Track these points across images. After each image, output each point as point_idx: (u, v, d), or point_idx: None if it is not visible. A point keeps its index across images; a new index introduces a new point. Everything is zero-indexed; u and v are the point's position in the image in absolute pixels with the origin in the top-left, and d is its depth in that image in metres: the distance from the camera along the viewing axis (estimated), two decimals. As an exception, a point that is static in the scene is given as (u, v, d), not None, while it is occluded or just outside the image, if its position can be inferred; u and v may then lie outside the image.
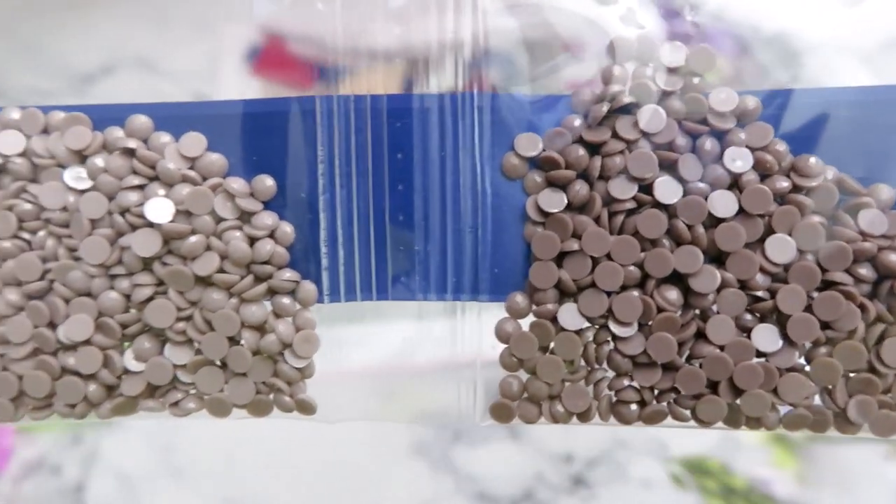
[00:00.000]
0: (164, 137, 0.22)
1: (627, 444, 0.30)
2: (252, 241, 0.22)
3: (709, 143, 0.21)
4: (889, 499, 0.29)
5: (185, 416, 0.22)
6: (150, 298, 0.22)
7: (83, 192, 0.22)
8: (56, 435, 0.30)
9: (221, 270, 0.22)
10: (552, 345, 0.21)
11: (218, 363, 0.22)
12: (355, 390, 0.22)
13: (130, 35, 0.22)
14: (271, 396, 0.22)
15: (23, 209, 0.22)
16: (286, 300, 0.22)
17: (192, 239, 0.21)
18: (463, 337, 0.22)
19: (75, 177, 0.22)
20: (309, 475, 0.29)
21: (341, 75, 0.22)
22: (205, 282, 0.22)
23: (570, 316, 0.21)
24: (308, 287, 0.22)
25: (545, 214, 0.21)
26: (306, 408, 0.22)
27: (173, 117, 0.22)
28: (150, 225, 0.21)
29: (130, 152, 0.22)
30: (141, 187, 0.22)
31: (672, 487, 0.29)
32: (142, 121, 0.22)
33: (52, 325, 0.22)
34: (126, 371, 0.22)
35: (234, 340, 0.22)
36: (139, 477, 0.30)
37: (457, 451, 0.30)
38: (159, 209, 0.21)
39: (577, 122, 0.21)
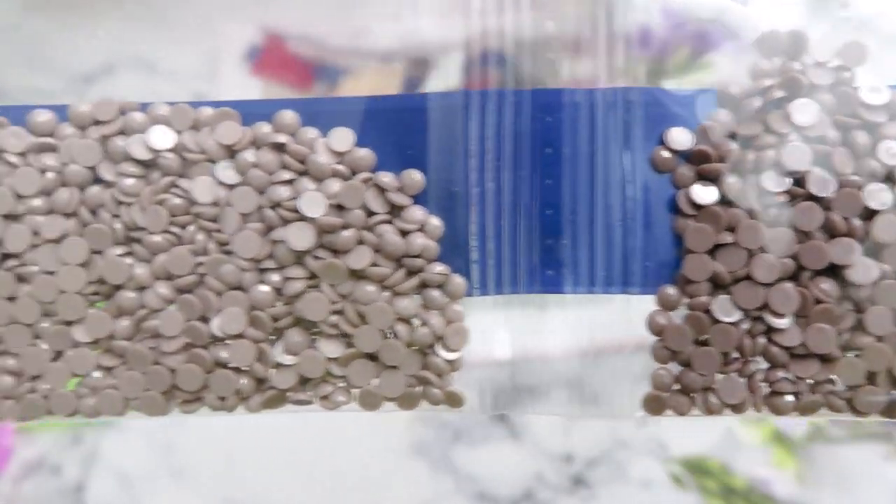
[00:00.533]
0: (311, 133, 0.22)
1: (627, 444, 0.30)
2: (403, 234, 0.22)
3: (861, 136, 0.21)
4: (889, 499, 0.29)
5: (335, 409, 0.23)
6: (301, 292, 0.22)
7: (233, 186, 0.22)
8: (56, 435, 0.30)
9: (374, 264, 0.22)
10: (706, 337, 0.22)
11: (369, 356, 0.22)
12: (502, 381, 0.23)
13: (130, 35, 0.22)
14: (419, 389, 0.23)
15: (173, 204, 0.22)
16: (436, 293, 0.22)
17: (346, 233, 0.22)
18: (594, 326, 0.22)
19: (226, 171, 0.22)
20: (309, 475, 0.29)
21: (341, 75, 0.22)
22: (356, 275, 0.22)
23: (724, 308, 0.21)
24: (458, 280, 0.22)
25: (697, 207, 0.21)
26: (456, 400, 0.22)
27: (320, 113, 0.22)
28: (303, 219, 0.22)
29: (280, 147, 0.22)
30: (290, 182, 0.22)
31: (672, 487, 0.29)
32: (290, 116, 0.22)
33: (204, 319, 0.22)
34: (278, 364, 0.22)
35: (385, 333, 0.22)
36: (139, 477, 0.30)
37: (457, 451, 0.30)
38: (313, 203, 0.22)
39: (725, 115, 0.22)
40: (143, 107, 0.22)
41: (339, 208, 0.22)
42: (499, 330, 0.23)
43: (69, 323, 0.22)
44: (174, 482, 0.30)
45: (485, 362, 0.23)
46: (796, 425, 0.29)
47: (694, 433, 0.29)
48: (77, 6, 0.22)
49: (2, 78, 0.23)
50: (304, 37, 0.23)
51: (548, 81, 0.22)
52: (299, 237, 0.22)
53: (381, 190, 0.22)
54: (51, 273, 0.22)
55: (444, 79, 0.22)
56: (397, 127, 0.22)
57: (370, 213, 0.22)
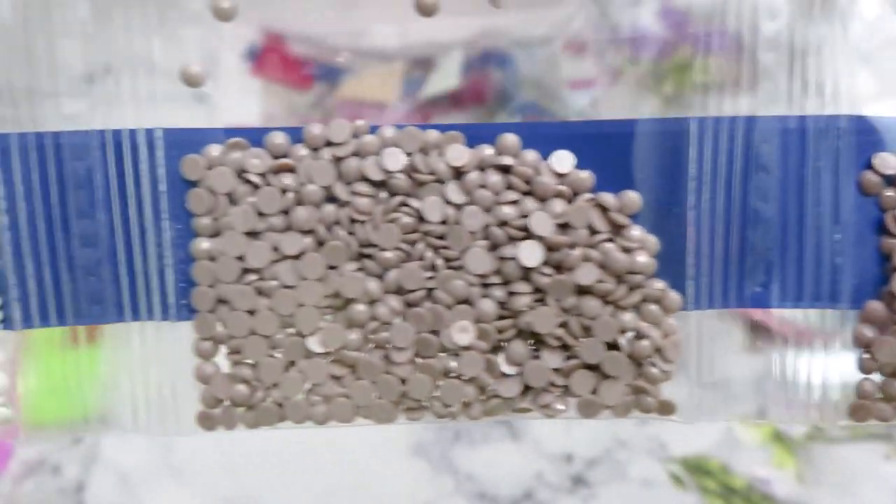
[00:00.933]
0: (531, 155, 0.24)
1: (627, 444, 0.30)
2: (624, 251, 0.23)
3: None
4: (889, 499, 0.30)
5: (554, 416, 0.24)
6: (526, 306, 0.23)
7: (460, 206, 0.23)
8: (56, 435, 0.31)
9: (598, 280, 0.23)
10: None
11: (589, 366, 0.24)
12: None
13: (130, 35, 0.22)
14: (631, 398, 0.24)
15: (403, 222, 0.23)
16: (654, 307, 0.23)
17: (576, 251, 0.23)
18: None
19: (454, 192, 0.23)
20: (309, 475, 0.30)
21: (341, 75, 0.23)
22: (580, 290, 0.23)
23: (932, 322, 0.23)
24: (674, 295, 0.24)
25: (904, 228, 0.23)
26: (668, 408, 0.24)
27: (538, 136, 0.24)
28: (530, 237, 0.23)
29: (505, 169, 0.23)
30: (515, 202, 0.23)
31: (672, 487, 0.30)
32: (511, 139, 0.24)
33: (432, 331, 0.24)
34: (502, 374, 0.24)
35: (608, 345, 0.23)
36: (139, 477, 0.30)
37: (457, 451, 0.30)
38: (542, 222, 0.23)
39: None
40: (373, 129, 0.24)
41: (563, 227, 0.23)
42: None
43: (304, 334, 0.24)
44: (174, 482, 0.30)
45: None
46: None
47: (694, 433, 0.29)
48: (77, 6, 0.23)
49: (1, 78, 0.23)
50: (304, 37, 0.23)
51: (548, 81, 0.23)
52: (529, 254, 0.23)
53: (604, 210, 0.23)
54: (290, 287, 0.23)
55: (445, 79, 0.23)
56: (611, 150, 0.24)
57: (593, 232, 0.23)
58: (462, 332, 0.23)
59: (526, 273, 0.23)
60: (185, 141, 0.23)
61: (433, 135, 0.23)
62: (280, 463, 0.29)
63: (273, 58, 0.23)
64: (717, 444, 0.29)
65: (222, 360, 0.24)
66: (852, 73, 0.23)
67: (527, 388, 0.24)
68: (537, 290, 0.23)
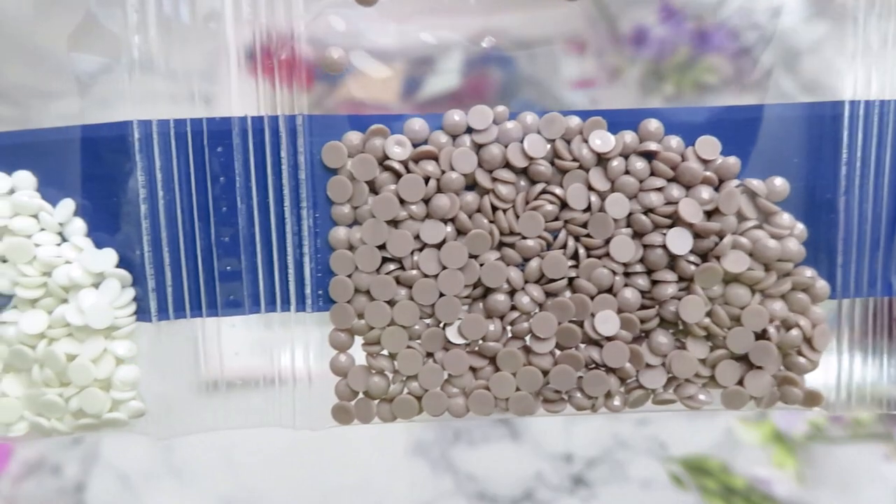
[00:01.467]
0: (674, 141, 0.23)
1: (627, 444, 0.30)
2: (774, 239, 0.23)
3: None
4: (889, 499, 0.29)
5: (698, 408, 0.23)
6: (671, 295, 0.23)
7: (604, 193, 0.23)
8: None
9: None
10: None
11: (735, 357, 0.23)
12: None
13: (130, 35, 0.22)
14: (776, 389, 0.23)
15: (545, 210, 0.23)
16: (802, 296, 0.23)
17: (726, 238, 0.22)
18: None
19: (600, 179, 0.23)
20: (309, 475, 0.29)
21: (341, 75, 0.22)
22: (727, 278, 0.23)
23: None
24: (822, 284, 0.23)
25: None
26: (815, 398, 0.23)
27: (678, 122, 0.23)
28: (676, 224, 0.22)
29: (649, 155, 0.23)
30: (660, 189, 0.23)
31: (672, 487, 0.30)
32: (655, 125, 0.23)
33: (575, 322, 0.23)
34: (647, 365, 0.23)
35: (756, 335, 0.23)
36: (139, 477, 0.30)
37: (457, 451, 0.30)
38: (691, 209, 0.22)
39: None
40: (513, 115, 0.23)
41: (709, 214, 0.23)
42: None
43: (443, 325, 0.23)
44: (174, 482, 0.30)
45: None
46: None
47: (694, 433, 0.29)
48: (77, 6, 0.22)
49: (1, 78, 0.23)
50: (304, 37, 0.23)
51: (547, 81, 0.23)
52: (679, 242, 0.22)
53: (752, 196, 0.23)
54: (431, 277, 0.23)
55: (445, 79, 0.23)
56: (757, 136, 0.23)
57: (741, 219, 0.23)
58: (606, 322, 0.23)
59: (672, 261, 0.23)
60: (326, 127, 0.23)
61: (575, 121, 0.23)
62: (280, 463, 0.29)
63: (273, 58, 0.23)
64: (717, 444, 0.29)
65: (357, 352, 0.23)
66: None
67: (670, 380, 0.23)
68: (681, 278, 0.23)
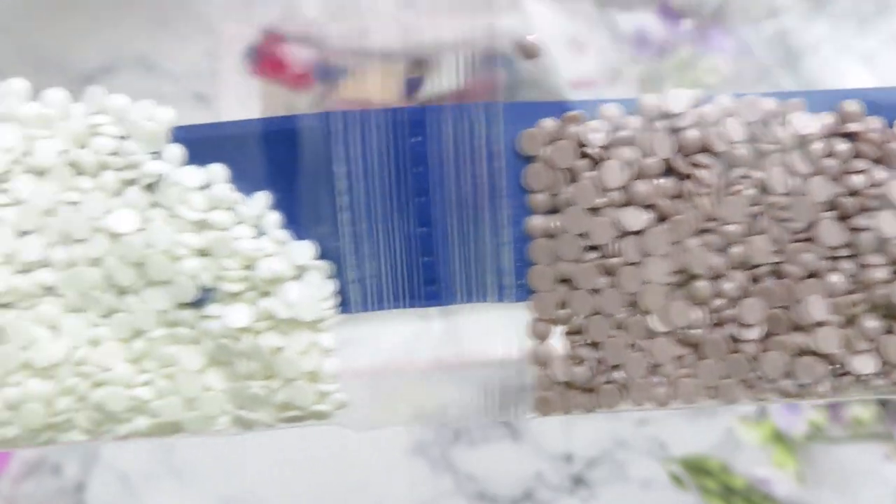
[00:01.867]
0: (876, 122, 0.23)
1: (627, 444, 0.30)
2: None
3: None
4: (889, 499, 0.29)
5: None
6: (881, 279, 0.22)
7: (805, 176, 0.22)
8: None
9: (966, 248, 0.22)
10: None
11: None
12: None
13: (130, 35, 0.22)
14: None
15: (746, 194, 0.22)
16: None
17: None
18: None
19: (801, 161, 0.22)
20: (309, 475, 0.29)
21: (341, 75, 0.22)
22: (940, 259, 0.22)
23: None
24: None
25: None
26: None
27: (875, 104, 0.23)
28: (886, 206, 0.22)
29: (852, 136, 0.22)
30: (863, 171, 0.22)
31: (672, 487, 0.29)
32: (855, 106, 0.23)
33: (782, 307, 0.22)
34: (857, 351, 0.23)
35: None
36: (139, 477, 0.30)
37: (457, 451, 0.30)
38: None
39: None
40: (709, 98, 0.23)
41: (918, 195, 0.22)
42: None
43: (648, 313, 0.23)
44: (174, 482, 0.29)
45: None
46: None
47: (694, 433, 0.29)
48: (77, 6, 0.22)
49: (1, 78, 0.23)
50: (304, 37, 0.23)
51: (547, 81, 0.22)
52: (890, 225, 0.22)
53: (967, 176, 0.22)
54: (635, 264, 0.22)
55: (445, 79, 0.22)
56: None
57: (954, 200, 0.22)
58: (816, 307, 0.22)
59: (881, 244, 0.22)
60: (521, 114, 0.23)
61: (772, 103, 0.23)
62: (280, 463, 0.29)
63: (273, 57, 0.23)
64: (717, 444, 0.29)
65: (558, 342, 0.23)
66: None
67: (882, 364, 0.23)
68: (892, 262, 0.22)
